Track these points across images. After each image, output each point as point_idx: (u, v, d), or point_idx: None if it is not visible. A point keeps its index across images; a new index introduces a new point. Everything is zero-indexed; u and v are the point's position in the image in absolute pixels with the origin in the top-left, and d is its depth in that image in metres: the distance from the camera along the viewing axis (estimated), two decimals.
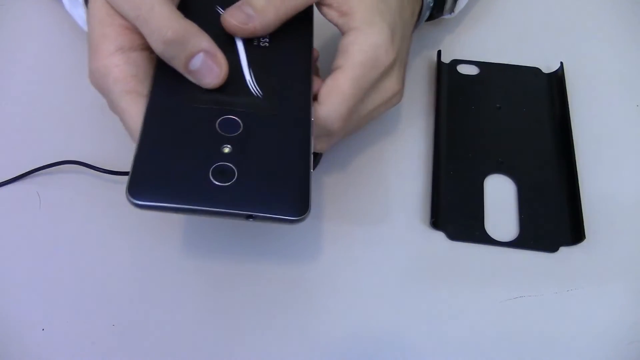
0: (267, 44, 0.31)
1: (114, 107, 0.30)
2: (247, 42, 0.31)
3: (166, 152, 0.27)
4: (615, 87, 0.44)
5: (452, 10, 0.43)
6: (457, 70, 0.44)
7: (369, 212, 0.38)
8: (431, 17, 0.42)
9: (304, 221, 0.26)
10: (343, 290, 0.35)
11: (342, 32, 0.33)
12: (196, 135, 0.28)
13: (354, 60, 0.31)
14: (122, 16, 0.29)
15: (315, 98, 0.31)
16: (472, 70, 0.45)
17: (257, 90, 0.30)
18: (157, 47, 0.28)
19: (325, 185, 0.39)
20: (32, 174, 0.40)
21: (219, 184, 0.26)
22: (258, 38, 0.31)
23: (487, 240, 0.37)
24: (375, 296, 0.35)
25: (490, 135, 0.41)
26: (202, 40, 0.29)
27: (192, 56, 0.28)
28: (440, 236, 0.37)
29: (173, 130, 0.28)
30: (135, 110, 0.29)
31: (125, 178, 0.39)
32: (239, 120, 0.28)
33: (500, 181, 0.39)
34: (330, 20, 0.33)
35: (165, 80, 0.30)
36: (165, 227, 0.38)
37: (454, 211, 0.38)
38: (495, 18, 0.49)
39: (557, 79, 0.44)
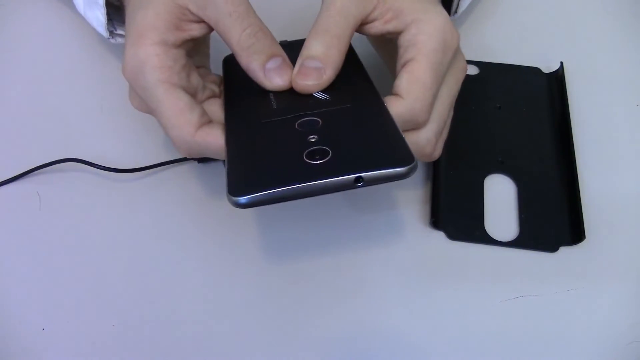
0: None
1: (147, 96, 0.31)
2: None
3: (256, 154, 0.28)
4: (615, 87, 0.44)
5: (455, 11, 0.43)
6: None
7: (369, 211, 0.38)
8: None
9: (414, 173, 0.26)
10: (343, 290, 0.35)
11: (398, 33, 0.32)
12: (280, 138, 0.28)
13: (426, 48, 0.31)
14: (187, 17, 0.31)
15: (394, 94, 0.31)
16: (472, 70, 0.45)
17: (322, 95, 0.31)
18: (245, 41, 0.31)
19: None
20: (32, 173, 0.40)
21: (315, 162, 0.26)
22: None
23: (487, 240, 0.37)
24: (374, 295, 0.35)
25: (490, 134, 0.41)
26: (281, 50, 0.32)
27: (273, 56, 0.31)
28: (440, 236, 0.37)
29: (257, 140, 0.29)
30: (170, 99, 0.30)
31: (126, 175, 0.40)
32: (316, 119, 0.29)
33: (500, 181, 0.39)
34: (377, 35, 0.33)
35: (236, 105, 0.32)
36: (165, 226, 0.38)
37: (454, 211, 0.38)
38: (495, 18, 0.49)
39: (557, 79, 0.44)
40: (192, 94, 0.32)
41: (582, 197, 0.37)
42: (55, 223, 0.38)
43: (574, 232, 0.36)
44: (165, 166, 0.40)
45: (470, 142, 0.41)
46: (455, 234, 0.37)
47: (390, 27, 0.32)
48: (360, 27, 0.33)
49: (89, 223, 0.38)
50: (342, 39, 0.31)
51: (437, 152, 0.34)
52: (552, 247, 0.36)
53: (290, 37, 0.35)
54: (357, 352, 0.33)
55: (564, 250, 0.36)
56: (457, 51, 0.33)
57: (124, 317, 0.34)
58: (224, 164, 0.28)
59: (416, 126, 0.31)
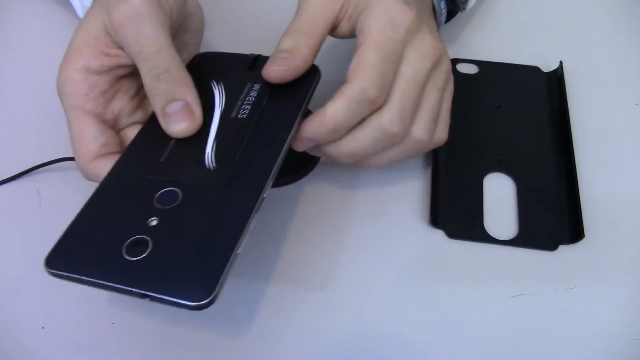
0: (244, 116, 0.31)
1: (66, 116, 0.32)
2: (224, 114, 0.31)
3: (96, 223, 0.27)
4: (614, 86, 0.44)
5: (464, 6, 0.43)
6: (456, 69, 0.45)
7: (368, 210, 0.38)
8: (449, 15, 0.42)
9: (205, 309, 0.24)
10: (342, 289, 0.35)
11: (356, 24, 0.33)
12: (131, 207, 0.27)
13: (371, 31, 0.31)
14: (114, 44, 0.31)
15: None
16: (472, 69, 0.45)
17: (211, 162, 0.29)
18: (149, 83, 0.30)
19: (325, 184, 0.39)
20: (31, 172, 0.40)
21: (128, 258, 0.25)
22: (237, 110, 0.31)
23: (487, 238, 0.37)
24: (374, 294, 0.35)
25: (489, 133, 0.41)
26: (190, 93, 0.30)
27: (173, 99, 0.30)
28: (439, 234, 0.37)
29: (114, 201, 0.28)
30: (77, 125, 0.31)
31: None
32: (179, 192, 0.27)
33: (499, 180, 0.39)
34: (346, 34, 0.34)
35: (135, 150, 0.31)
36: None
37: (454, 209, 0.38)
38: (494, 17, 0.49)
39: (556, 78, 0.44)
40: (111, 119, 0.33)
41: (581, 196, 0.37)
42: (55, 222, 0.38)
43: (573, 231, 0.36)
44: None
45: (470, 141, 0.41)
46: (455, 233, 0.37)
47: (352, 22, 0.33)
48: (333, 32, 0.34)
49: None
50: (311, 36, 0.32)
51: (425, 136, 0.33)
52: (551, 246, 0.36)
53: None
54: (357, 351, 0.33)
55: (563, 249, 0.36)
56: (418, 30, 0.33)
57: (124, 316, 0.34)
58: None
59: (373, 106, 0.31)
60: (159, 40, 0.30)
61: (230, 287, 0.35)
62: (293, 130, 0.30)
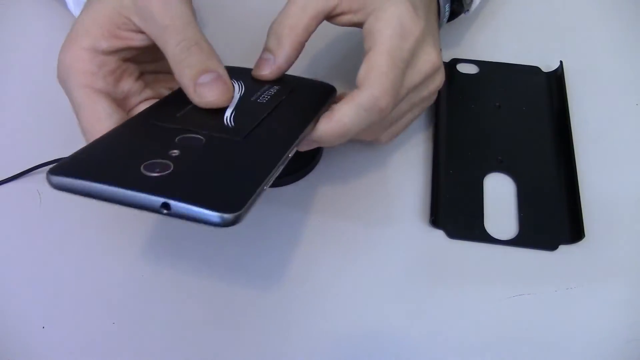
0: (263, 101, 0.32)
1: (71, 99, 0.31)
2: (243, 97, 0.32)
3: (109, 148, 0.26)
4: (614, 86, 0.44)
5: (469, 7, 0.43)
6: (457, 69, 0.45)
7: (369, 210, 0.38)
8: (452, 15, 0.42)
9: (229, 226, 0.22)
10: (342, 289, 0.35)
11: (362, 24, 0.33)
12: (146, 143, 0.27)
13: (382, 36, 0.31)
14: (125, 26, 0.31)
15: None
16: (472, 69, 0.45)
17: (230, 122, 0.29)
18: (178, 54, 0.30)
19: (325, 184, 0.39)
20: (32, 172, 0.40)
21: (145, 173, 0.23)
22: (257, 97, 0.32)
23: (487, 238, 0.37)
24: (374, 294, 0.35)
25: (489, 133, 0.41)
26: (221, 67, 0.31)
27: (207, 71, 0.30)
28: (439, 234, 0.37)
29: (128, 137, 0.27)
30: (89, 104, 0.30)
31: None
32: (201, 138, 0.27)
33: (499, 180, 0.39)
34: (347, 25, 0.34)
35: (153, 109, 0.31)
36: (165, 225, 0.38)
37: (454, 209, 0.38)
38: (495, 17, 0.49)
39: (556, 78, 0.44)
40: (121, 98, 0.32)
41: (582, 196, 0.37)
42: (55, 221, 0.38)
43: (574, 231, 0.36)
44: None
45: (470, 141, 0.41)
46: (455, 233, 0.37)
47: (356, 18, 0.33)
48: (330, 19, 0.34)
49: (88, 221, 0.38)
50: (294, 29, 0.32)
51: (386, 139, 0.35)
52: (551, 246, 0.36)
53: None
54: (357, 351, 0.33)
55: (563, 249, 0.36)
56: (424, 42, 0.33)
57: (124, 315, 0.34)
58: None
59: (381, 114, 0.31)
60: (186, 15, 0.30)
61: (230, 286, 0.35)
62: (308, 128, 0.30)
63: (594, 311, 0.34)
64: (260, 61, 0.33)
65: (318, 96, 0.33)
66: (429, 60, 0.33)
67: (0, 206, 0.39)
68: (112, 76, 0.32)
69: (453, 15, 0.43)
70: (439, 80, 0.35)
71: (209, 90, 0.30)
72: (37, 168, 0.39)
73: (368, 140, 0.36)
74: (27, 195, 0.39)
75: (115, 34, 0.31)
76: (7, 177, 0.39)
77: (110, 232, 0.37)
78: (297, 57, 0.33)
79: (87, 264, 0.36)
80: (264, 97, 0.32)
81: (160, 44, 0.31)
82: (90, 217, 0.38)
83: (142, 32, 0.31)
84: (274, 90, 0.33)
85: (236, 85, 0.32)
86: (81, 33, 0.31)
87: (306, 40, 0.33)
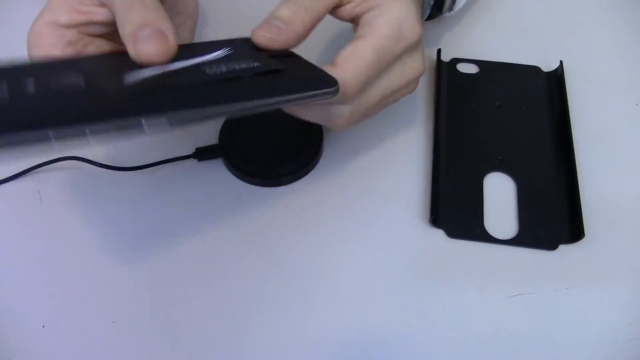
0: (211, 71, 0.28)
1: None
2: (196, 65, 0.28)
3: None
4: (614, 86, 0.44)
5: (451, 8, 0.43)
6: (456, 68, 0.45)
7: (369, 209, 0.38)
8: (430, 17, 0.42)
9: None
10: (342, 288, 0.35)
11: (364, 13, 0.32)
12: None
13: (378, 31, 0.31)
14: (89, 1, 0.31)
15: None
16: (472, 69, 0.45)
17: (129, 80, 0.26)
18: (122, 12, 0.29)
19: (325, 183, 0.39)
20: (32, 171, 0.40)
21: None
22: (212, 68, 0.28)
23: (487, 238, 0.37)
24: (374, 294, 0.35)
25: (489, 133, 0.41)
26: (165, 24, 0.28)
27: (146, 25, 0.28)
28: (439, 234, 0.37)
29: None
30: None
31: (126, 173, 0.40)
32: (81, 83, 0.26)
33: (499, 179, 0.39)
34: (348, 18, 0.34)
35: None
36: (164, 224, 0.38)
37: (454, 209, 0.38)
38: (495, 17, 0.49)
39: (556, 78, 0.44)
40: None
41: (582, 195, 0.37)
42: (55, 221, 0.38)
43: (573, 231, 0.36)
44: (164, 164, 0.40)
45: (470, 140, 0.41)
46: (455, 232, 0.37)
47: (359, 10, 0.33)
48: (334, 11, 0.33)
49: (89, 221, 0.38)
50: (309, 11, 0.31)
51: (345, 128, 0.34)
52: (551, 245, 0.36)
53: None
54: (356, 352, 0.33)
55: (563, 249, 0.36)
56: (415, 49, 0.33)
57: (124, 314, 0.34)
58: None
59: (342, 99, 0.31)
60: None
61: (229, 286, 0.35)
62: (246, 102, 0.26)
63: (594, 311, 0.34)
64: (270, 26, 0.30)
65: (305, 84, 0.29)
66: (415, 67, 0.34)
67: (0, 206, 0.39)
68: (72, 48, 0.32)
69: (430, 16, 0.43)
70: (414, 86, 0.36)
71: (145, 44, 0.27)
72: (37, 168, 0.39)
73: (323, 124, 0.35)
74: (27, 194, 0.39)
75: (76, 9, 0.32)
76: (7, 176, 0.39)
77: (110, 232, 0.37)
78: (304, 38, 0.31)
79: (87, 264, 0.36)
80: (222, 68, 0.28)
81: (111, 9, 0.30)
82: (89, 216, 0.38)
83: (102, 6, 0.32)
84: (248, 65, 0.29)
85: (212, 53, 0.29)
86: (47, 9, 0.32)
87: (313, 28, 0.32)
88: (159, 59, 0.27)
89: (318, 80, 0.29)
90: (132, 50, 0.28)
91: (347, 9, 0.33)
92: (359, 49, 0.30)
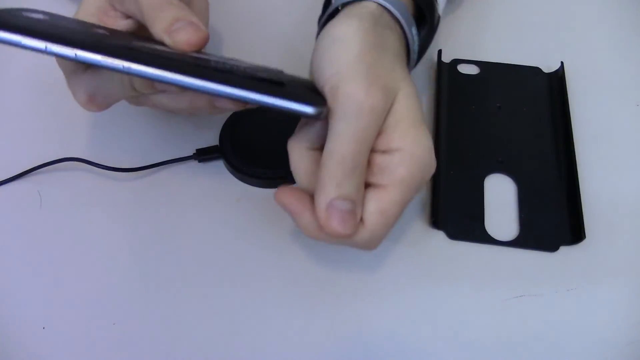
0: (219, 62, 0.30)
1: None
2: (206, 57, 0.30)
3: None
4: (615, 87, 0.44)
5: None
6: (457, 69, 0.44)
7: None
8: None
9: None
10: (343, 289, 0.35)
11: (384, 158, 0.29)
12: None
13: (402, 184, 0.29)
14: (119, 11, 0.33)
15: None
16: (473, 70, 0.45)
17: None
18: (151, 12, 0.30)
19: None
20: (32, 172, 0.40)
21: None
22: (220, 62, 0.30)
23: (487, 239, 0.37)
24: (374, 295, 0.35)
25: (490, 134, 0.41)
26: (194, 17, 0.30)
27: (179, 20, 0.30)
28: (440, 235, 0.37)
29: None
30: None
31: (126, 174, 0.40)
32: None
33: (500, 180, 0.39)
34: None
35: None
36: (165, 225, 0.38)
37: (454, 210, 0.38)
38: (495, 17, 0.49)
39: (557, 79, 0.44)
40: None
41: (582, 197, 0.37)
42: (55, 222, 0.38)
43: (574, 232, 0.36)
44: (164, 165, 0.40)
45: (471, 141, 0.41)
46: (456, 234, 0.37)
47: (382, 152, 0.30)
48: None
49: (89, 222, 0.38)
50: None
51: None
52: (552, 247, 0.36)
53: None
54: (357, 352, 0.33)
55: (564, 250, 0.36)
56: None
57: (125, 316, 0.34)
58: None
59: (367, 248, 0.30)
60: None
61: (229, 287, 0.35)
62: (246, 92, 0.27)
63: (595, 312, 0.34)
64: (338, 212, 0.28)
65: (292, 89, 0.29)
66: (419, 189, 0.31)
67: (1, 207, 0.39)
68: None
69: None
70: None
71: (181, 32, 0.29)
72: (38, 168, 0.39)
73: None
74: (28, 196, 0.39)
75: (101, 19, 0.32)
76: (7, 177, 0.39)
77: (109, 232, 0.37)
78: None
79: (87, 263, 0.36)
80: (229, 63, 0.30)
81: (138, 13, 0.31)
82: (89, 217, 0.38)
83: (128, 18, 0.33)
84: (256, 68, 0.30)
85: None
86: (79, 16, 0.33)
87: None
88: (195, 44, 0.29)
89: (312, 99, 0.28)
90: (168, 41, 0.30)
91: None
92: (387, 209, 0.29)
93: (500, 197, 0.38)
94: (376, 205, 0.29)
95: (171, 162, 0.40)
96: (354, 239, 0.29)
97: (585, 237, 0.36)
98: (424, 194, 0.39)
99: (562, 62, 0.44)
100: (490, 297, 0.35)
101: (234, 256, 0.36)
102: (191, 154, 0.40)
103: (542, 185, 0.39)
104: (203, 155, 0.40)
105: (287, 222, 0.38)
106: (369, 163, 0.29)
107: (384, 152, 0.29)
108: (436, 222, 0.37)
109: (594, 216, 0.37)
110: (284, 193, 0.30)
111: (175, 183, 0.39)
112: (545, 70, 0.45)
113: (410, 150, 0.29)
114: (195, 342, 0.33)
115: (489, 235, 0.37)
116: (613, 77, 0.45)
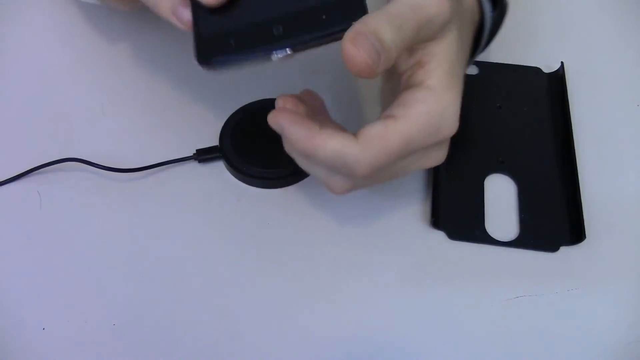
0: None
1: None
2: None
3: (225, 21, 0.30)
4: (615, 87, 0.44)
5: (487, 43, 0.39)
6: None
7: (370, 211, 0.38)
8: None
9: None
10: (343, 290, 0.35)
11: (408, 83, 0.29)
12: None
13: (414, 120, 0.28)
14: None
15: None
16: (473, 70, 0.45)
17: None
18: None
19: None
20: (32, 173, 0.40)
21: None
22: None
23: (488, 240, 0.37)
24: (375, 295, 0.35)
25: (490, 134, 0.41)
26: None
27: None
28: (440, 236, 0.37)
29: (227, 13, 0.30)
30: None
31: (126, 175, 0.40)
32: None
33: (500, 181, 0.39)
34: (397, 72, 0.30)
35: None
36: (166, 226, 0.38)
37: (454, 211, 0.38)
38: None
39: (557, 79, 0.44)
40: None
41: (583, 197, 0.37)
42: (55, 222, 0.38)
43: (574, 232, 0.36)
44: (165, 166, 0.40)
45: (471, 142, 0.41)
46: (456, 234, 0.37)
47: (412, 72, 0.29)
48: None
49: (89, 223, 0.38)
50: (405, 40, 0.27)
51: (339, 194, 0.32)
52: (552, 247, 0.36)
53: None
54: (357, 352, 0.33)
55: (564, 250, 0.36)
56: (445, 143, 0.31)
57: (125, 316, 0.34)
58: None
59: (346, 173, 0.29)
60: None
61: (229, 287, 0.35)
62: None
63: (595, 313, 0.34)
64: (364, 42, 0.25)
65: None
66: (437, 158, 0.31)
67: (0, 207, 0.39)
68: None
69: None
70: (430, 166, 0.32)
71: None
72: (37, 169, 0.39)
73: (322, 181, 0.32)
74: (27, 196, 0.39)
75: None
76: (7, 177, 0.39)
77: (110, 232, 0.37)
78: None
79: (87, 264, 0.36)
80: None
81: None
82: (89, 217, 0.38)
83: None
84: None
85: None
86: None
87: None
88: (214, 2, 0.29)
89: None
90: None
91: (403, 59, 0.30)
92: (389, 135, 0.27)
93: (501, 197, 0.38)
94: (380, 129, 0.27)
95: (171, 163, 0.40)
96: (343, 152, 0.27)
97: (585, 237, 0.36)
98: (424, 194, 0.39)
99: (562, 62, 0.44)
100: (491, 297, 0.35)
101: (234, 256, 0.36)
102: (191, 154, 0.40)
103: (543, 186, 0.39)
104: (203, 155, 0.40)
105: (288, 223, 0.38)
106: (399, 94, 0.29)
107: (413, 87, 0.28)
108: (436, 222, 0.37)
109: (594, 216, 0.37)
110: (277, 111, 0.30)
111: (175, 183, 0.39)
112: (546, 70, 0.45)
113: (439, 95, 0.28)
114: (196, 343, 0.33)
115: (489, 236, 0.37)
116: (613, 77, 0.45)
